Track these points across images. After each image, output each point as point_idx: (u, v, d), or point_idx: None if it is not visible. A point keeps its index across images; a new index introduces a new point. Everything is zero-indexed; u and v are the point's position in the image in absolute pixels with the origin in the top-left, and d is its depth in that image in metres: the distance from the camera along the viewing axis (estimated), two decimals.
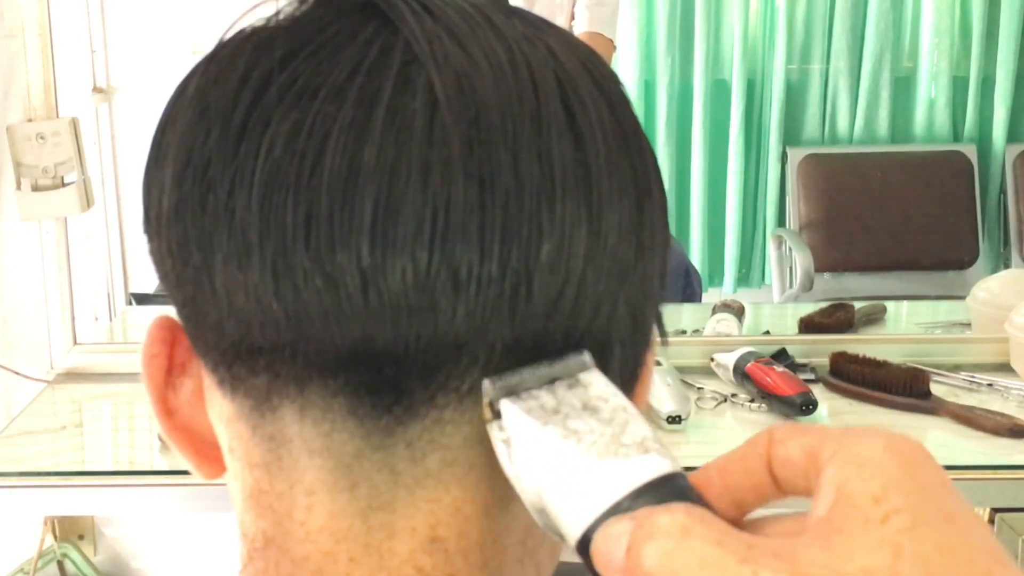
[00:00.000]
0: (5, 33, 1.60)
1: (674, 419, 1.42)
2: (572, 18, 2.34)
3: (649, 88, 3.01)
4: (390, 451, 0.36)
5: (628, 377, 0.40)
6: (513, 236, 0.35)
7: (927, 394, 1.51)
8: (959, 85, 3.02)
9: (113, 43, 2.11)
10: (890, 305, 2.00)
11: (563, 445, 0.34)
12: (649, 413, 1.44)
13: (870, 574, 0.28)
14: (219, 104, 0.36)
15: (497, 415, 0.35)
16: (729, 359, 1.58)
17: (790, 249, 2.82)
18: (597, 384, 0.36)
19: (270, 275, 0.35)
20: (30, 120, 1.61)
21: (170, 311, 0.40)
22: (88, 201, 1.67)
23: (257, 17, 0.38)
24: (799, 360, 1.64)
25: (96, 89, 2.06)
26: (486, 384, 0.35)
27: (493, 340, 0.35)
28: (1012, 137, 3.00)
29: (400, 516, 0.37)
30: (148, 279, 1.99)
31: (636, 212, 0.38)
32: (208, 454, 0.41)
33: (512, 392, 0.35)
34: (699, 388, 1.58)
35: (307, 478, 0.37)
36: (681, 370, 1.58)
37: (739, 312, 1.82)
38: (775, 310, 2.59)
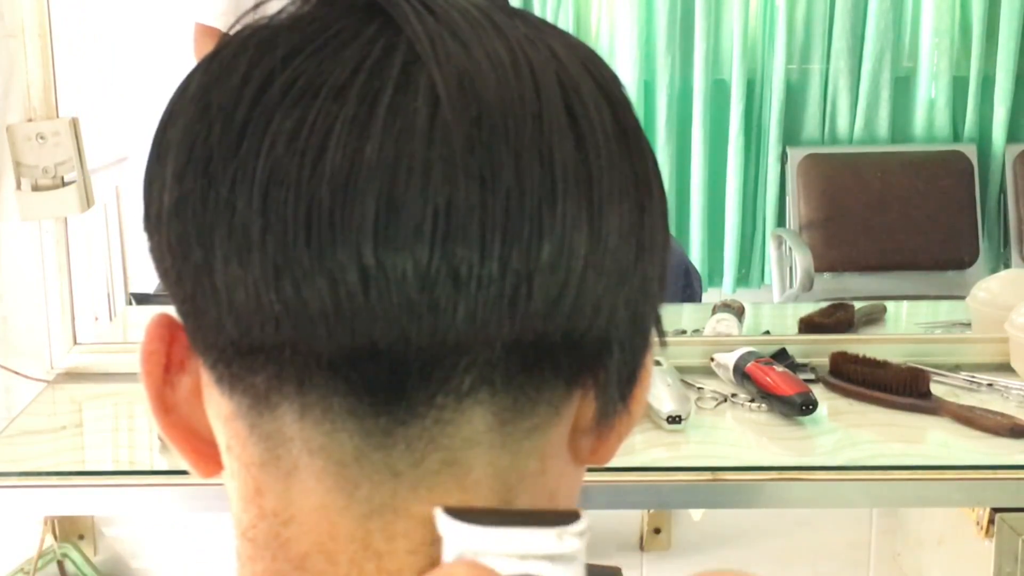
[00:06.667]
0: (5, 33, 1.60)
1: (674, 419, 1.42)
2: None
3: (649, 88, 3.01)
4: (390, 451, 0.36)
5: (627, 378, 0.40)
6: (514, 236, 0.35)
7: (927, 394, 1.51)
8: (959, 85, 3.01)
9: (113, 43, 2.11)
10: (890, 305, 1.99)
11: None
12: (649, 413, 1.44)
13: None
14: (221, 101, 0.36)
15: None
16: (729, 359, 1.57)
17: (790, 249, 2.82)
18: None
19: (271, 272, 0.35)
20: (30, 120, 1.61)
21: (170, 311, 0.40)
22: (88, 201, 1.67)
23: (260, 15, 0.38)
24: (799, 360, 1.63)
25: None
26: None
27: (493, 340, 0.35)
28: (1012, 137, 2.99)
29: (400, 517, 0.37)
30: (148, 279, 1.99)
31: (636, 213, 0.38)
32: (205, 452, 0.41)
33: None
34: (699, 388, 1.58)
35: (306, 478, 0.37)
36: (681, 370, 1.58)
37: (739, 312, 1.81)
38: (775, 310, 2.59)
